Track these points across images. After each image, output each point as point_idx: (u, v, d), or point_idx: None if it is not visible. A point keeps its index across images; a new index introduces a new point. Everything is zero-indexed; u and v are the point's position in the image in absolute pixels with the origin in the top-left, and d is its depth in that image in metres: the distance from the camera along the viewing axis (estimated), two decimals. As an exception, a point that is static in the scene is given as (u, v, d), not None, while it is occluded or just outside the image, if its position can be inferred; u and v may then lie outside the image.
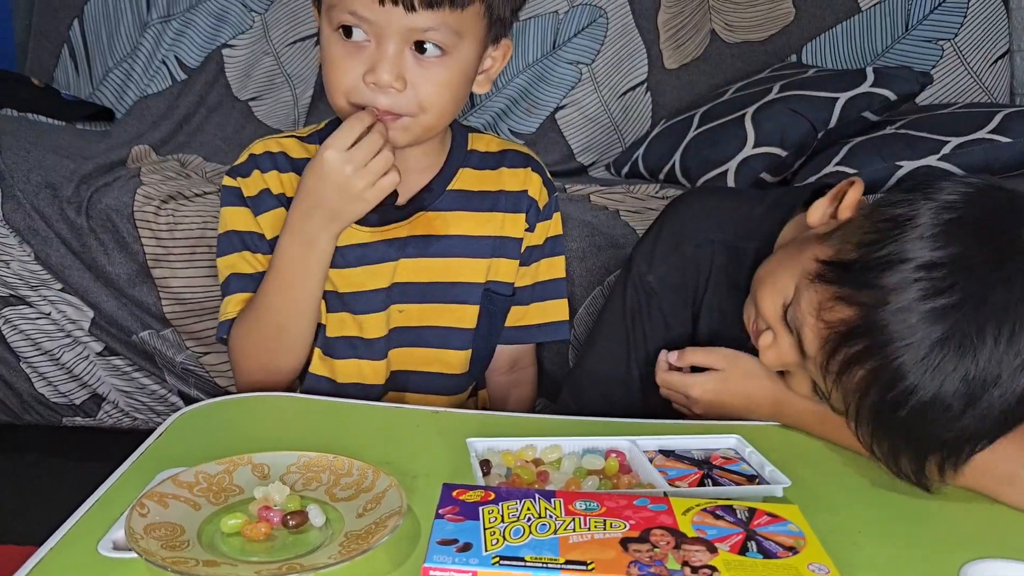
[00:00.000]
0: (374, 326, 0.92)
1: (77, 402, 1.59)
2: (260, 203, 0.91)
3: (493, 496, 0.58)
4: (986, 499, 0.70)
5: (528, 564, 0.50)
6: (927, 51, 1.91)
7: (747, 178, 1.56)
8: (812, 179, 1.52)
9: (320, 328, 0.93)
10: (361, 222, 0.88)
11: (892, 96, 1.55)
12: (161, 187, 1.49)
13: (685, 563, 0.51)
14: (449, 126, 0.93)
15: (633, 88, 2.01)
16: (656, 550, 0.52)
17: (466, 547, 0.52)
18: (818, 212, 0.79)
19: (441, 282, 0.93)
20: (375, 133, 0.81)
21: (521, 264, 0.97)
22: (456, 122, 0.94)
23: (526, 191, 0.95)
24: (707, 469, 0.69)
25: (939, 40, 1.91)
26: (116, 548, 0.57)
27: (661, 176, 1.75)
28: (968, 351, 0.63)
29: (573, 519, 0.55)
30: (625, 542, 0.53)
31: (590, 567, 0.50)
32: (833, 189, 0.79)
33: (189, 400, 1.56)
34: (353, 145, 0.80)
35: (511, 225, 0.95)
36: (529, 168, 0.96)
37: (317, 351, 0.94)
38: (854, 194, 0.77)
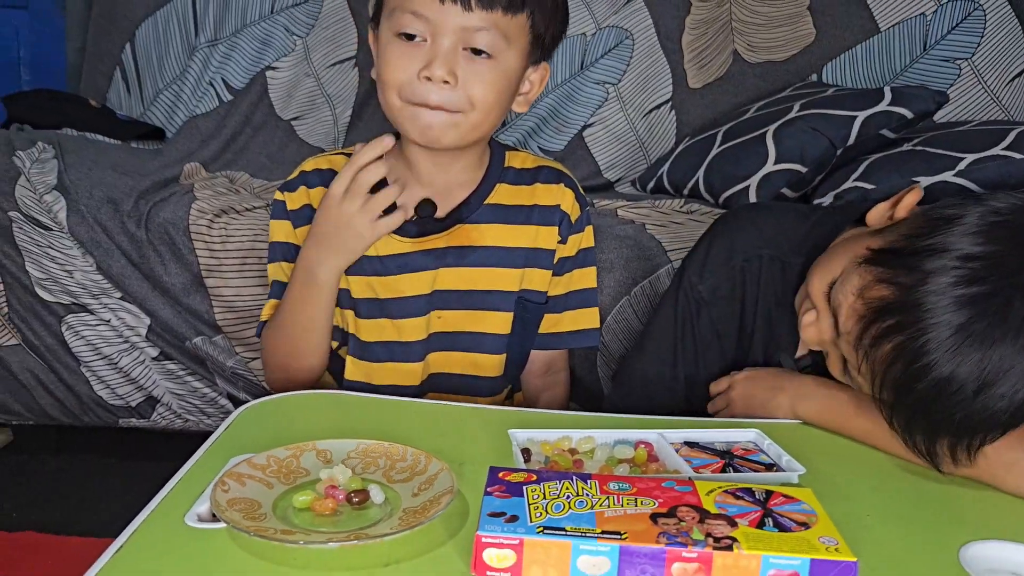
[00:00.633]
0: (413, 330, 0.99)
1: (133, 404, 1.67)
2: (300, 217, 0.98)
3: (535, 477, 0.64)
4: (987, 486, 0.75)
5: (569, 533, 0.56)
6: (945, 70, 1.95)
7: (768, 194, 1.61)
8: (831, 194, 1.57)
9: (350, 337, 0.99)
10: (400, 233, 0.96)
11: (909, 114, 1.59)
12: (213, 202, 1.58)
13: (708, 534, 0.57)
14: (488, 144, 1.00)
15: (658, 107, 2.05)
16: (682, 524, 0.58)
17: (513, 519, 0.58)
18: (877, 214, 0.86)
19: (478, 290, 0.99)
20: (380, 165, 0.87)
21: (554, 274, 1.02)
22: (494, 140, 1.01)
23: (559, 205, 1.01)
24: (728, 459, 0.75)
25: (957, 59, 1.94)
26: (200, 520, 0.64)
27: (685, 191, 1.80)
28: (988, 341, 0.68)
29: (607, 497, 0.61)
30: (654, 517, 0.59)
31: (623, 536, 0.56)
32: (895, 196, 0.85)
33: (237, 402, 1.63)
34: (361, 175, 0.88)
35: (544, 237, 1.00)
36: (562, 184, 1.02)
37: (350, 359, 1.00)
38: (912, 197, 0.83)
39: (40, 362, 1.65)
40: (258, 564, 0.58)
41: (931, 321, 0.70)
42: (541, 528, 0.57)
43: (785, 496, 0.63)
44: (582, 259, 1.04)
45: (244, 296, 1.55)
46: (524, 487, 0.63)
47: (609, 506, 0.60)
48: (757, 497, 0.63)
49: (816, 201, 1.61)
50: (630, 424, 0.84)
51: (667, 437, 0.78)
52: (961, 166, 1.47)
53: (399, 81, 0.88)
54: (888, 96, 1.62)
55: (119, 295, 1.59)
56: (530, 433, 0.78)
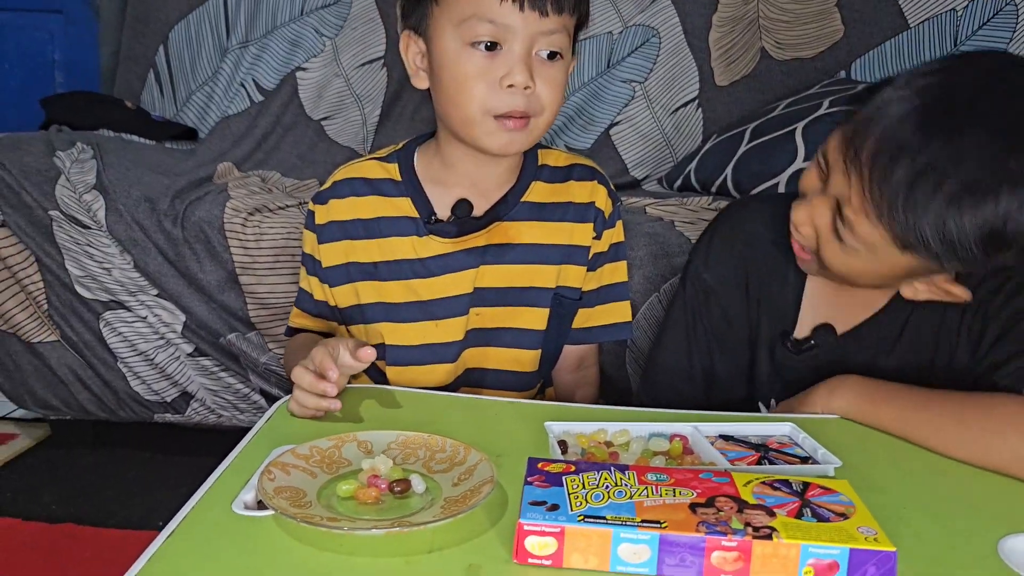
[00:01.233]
0: (454, 330, 1.00)
1: (168, 399, 1.70)
2: (324, 232, 1.00)
3: (574, 468, 0.65)
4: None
5: (609, 522, 0.57)
6: (977, 66, 1.93)
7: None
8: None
9: (387, 349, 1.00)
10: (441, 234, 0.97)
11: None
12: (247, 201, 1.60)
13: (747, 524, 0.58)
14: None
15: (685, 105, 2.06)
16: (721, 513, 0.59)
17: (554, 507, 0.59)
18: None
19: (516, 287, 1.00)
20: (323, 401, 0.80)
21: (588, 270, 1.03)
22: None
23: (593, 202, 1.02)
24: (764, 452, 0.76)
25: (989, 55, 1.93)
26: (247, 508, 0.65)
27: (713, 189, 1.80)
28: (935, 113, 0.75)
29: (646, 487, 0.62)
30: (693, 506, 0.60)
31: (663, 525, 0.57)
32: None
33: (270, 398, 1.66)
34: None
35: (580, 234, 1.02)
36: (595, 181, 1.03)
37: (391, 369, 1.01)
38: None
39: (78, 358, 1.68)
40: (305, 550, 0.60)
41: (890, 112, 0.77)
42: (582, 517, 0.58)
43: (822, 488, 0.64)
44: (613, 254, 1.05)
45: (277, 293, 1.58)
46: (563, 477, 0.64)
47: (648, 496, 0.61)
48: (795, 488, 0.63)
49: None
50: (665, 417, 0.84)
51: (702, 430, 0.79)
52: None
53: (481, 93, 0.87)
54: (918, 92, 1.61)
55: (155, 292, 1.62)
56: (566, 426, 0.79)
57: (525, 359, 1.03)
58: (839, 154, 0.82)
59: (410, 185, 0.99)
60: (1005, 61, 0.81)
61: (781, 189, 1.63)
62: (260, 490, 0.65)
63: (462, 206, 0.98)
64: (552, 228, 1.01)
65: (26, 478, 1.70)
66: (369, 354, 0.81)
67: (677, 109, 2.06)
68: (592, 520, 0.58)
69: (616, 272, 1.06)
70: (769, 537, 0.56)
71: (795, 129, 1.68)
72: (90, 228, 1.60)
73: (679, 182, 1.92)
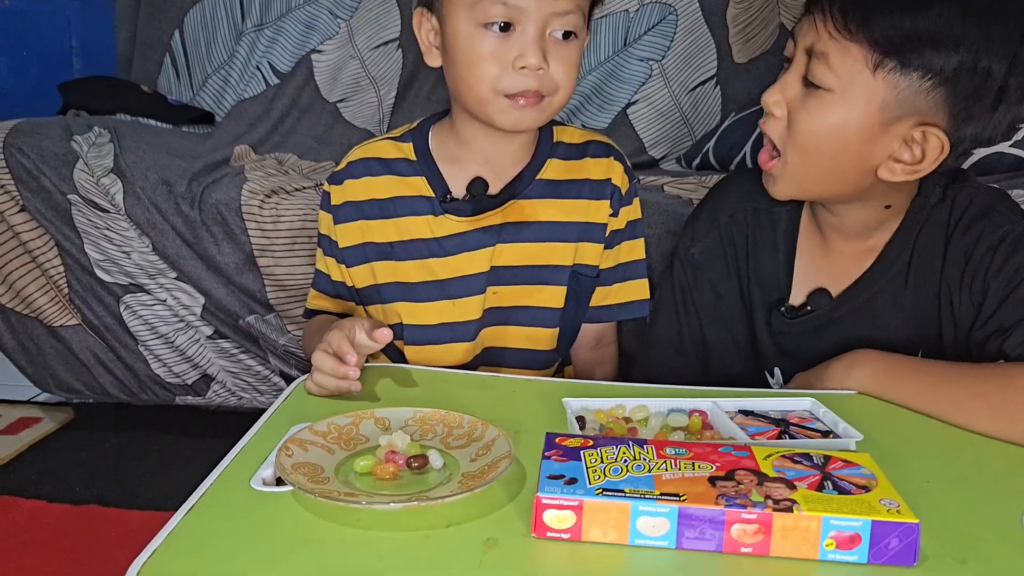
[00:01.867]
0: (472, 308, 0.99)
1: (189, 382, 1.71)
2: (340, 212, 1.00)
3: (592, 443, 0.65)
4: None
5: (628, 495, 0.57)
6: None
7: (818, 167, 1.59)
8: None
9: (405, 328, 1.00)
10: (457, 213, 0.97)
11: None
12: (264, 183, 1.61)
13: (767, 496, 0.57)
14: None
15: (703, 83, 2.03)
16: (741, 486, 0.58)
17: (572, 481, 0.59)
18: None
19: (533, 265, 1.00)
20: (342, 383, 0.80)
21: (605, 247, 1.03)
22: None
23: (609, 179, 1.01)
24: (784, 426, 0.75)
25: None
26: (265, 484, 0.66)
27: (731, 167, 1.79)
28: None
29: (665, 461, 0.62)
30: (713, 480, 0.59)
31: (683, 498, 0.57)
32: None
33: (289, 380, 1.65)
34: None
35: (596, 211, 1.01)
36: (611, 157, 1.02)
37: (409, 348, 1.01)
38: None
39: (100, 341, 1.70)
40: (323, 524, 0.60)
41: None
42: (600, 490, 0.58)
43: (844, 460, 0.63)
44: (631, 231, 1.05)
45: (296, 275, 1.58)
46: (581, 451, 0.63)
47: (667, 469, 0.61)
48: (815, 461, 0.63)
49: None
50: (684, 393, 0.84)
51: (721, 406, 0.78)
52: (1018, 136, 1.44)
53: (493, 73, 0.87)
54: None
55: (174, 275, 1.63)
56: (584, 402, 0.79)
57: (543, 337, 1.03)
58: (804, 10, 0.84)
59: (425, 164, 0.99)
60: None
61: (801, 166, 1.61)
62: (278, 466, 0.65)
63: (477, 184, 0.97)
64: (568, 205, 1.00)
65: (50, 461, 1.72)
66: (385, 335, 0.81)
67: (695, 87, 2.04)
68: (611, 493, 0.58)
69: (634, 249, 1.05)
70: (790, 510, 0.56)
71: (815, 105, 1.65)
72: (108, 212, 1.61)
73: (697, 160, 1.90)
